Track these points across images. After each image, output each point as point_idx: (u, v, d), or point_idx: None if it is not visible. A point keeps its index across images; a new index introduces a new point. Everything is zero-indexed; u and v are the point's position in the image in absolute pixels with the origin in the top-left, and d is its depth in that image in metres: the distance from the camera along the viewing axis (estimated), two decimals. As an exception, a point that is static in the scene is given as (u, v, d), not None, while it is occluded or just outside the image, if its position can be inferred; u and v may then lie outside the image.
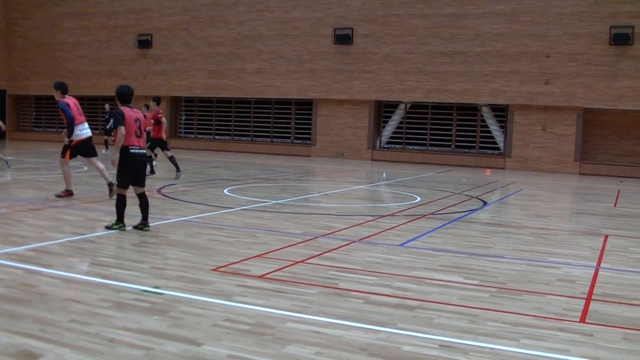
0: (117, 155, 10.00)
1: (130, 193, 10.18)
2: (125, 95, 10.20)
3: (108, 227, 10.14)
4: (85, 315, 5.93)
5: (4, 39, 41.26)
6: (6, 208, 12.43)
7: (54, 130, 40.69)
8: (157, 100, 18.94)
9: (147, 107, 20.94)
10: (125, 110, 10.08)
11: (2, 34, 41.17)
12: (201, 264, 8.01)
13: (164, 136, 19.45)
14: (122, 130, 9.87)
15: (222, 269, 7.76)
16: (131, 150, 9.97)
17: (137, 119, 10.13)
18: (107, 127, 28.94)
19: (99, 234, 9.96)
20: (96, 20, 38.22)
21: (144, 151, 10.25)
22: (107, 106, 30.80)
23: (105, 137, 29.53)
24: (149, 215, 10.34)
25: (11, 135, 41.23)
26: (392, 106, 33.18)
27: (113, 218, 10.34)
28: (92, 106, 39.14)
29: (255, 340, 5.36)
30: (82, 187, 15.51)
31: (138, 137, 10.08)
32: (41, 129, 41.89)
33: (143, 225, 10.20)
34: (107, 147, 29.37)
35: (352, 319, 6.02)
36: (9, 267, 7.69)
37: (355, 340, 5.44)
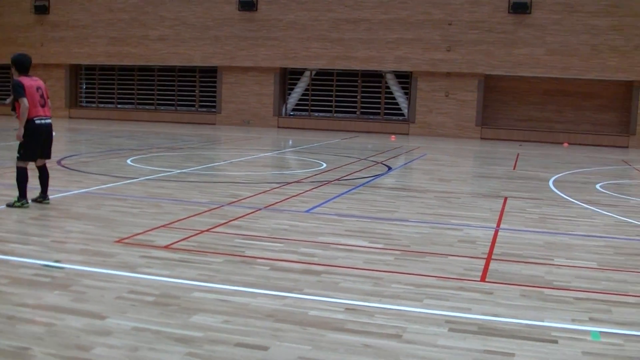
0: (22, 129, 9.33)
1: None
2: (24, 64, 9.50)
3: (9, 205, 9.55)
4: (-18, 293, 5.75)
5: None
6: None
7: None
8: None
9: None
10: (25, 80, 9.36)
11: None
12: (104, 236, 7.86)
13: None
14: (24, 102, 9.19)
15: (125, 241, 7.64)
16: (36, 121, 9.38)
17: (38, 87, 9.50)
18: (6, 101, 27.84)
19: (-4, 207, 9.65)
20: (-11, -14, 36.78)
21: (50, 121, 9.69)
22: None
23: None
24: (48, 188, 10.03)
25: None
26: (298, 73, 33.14)
27: (15, 195, 9.71)
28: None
29: (160, 311, 5.31)
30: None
31: (42, 106, 9.49)
32: None
33: (42, 199, 9.84)
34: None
35: (259, 286, 6.04)
36: None
37: (262, 307, 5.46)
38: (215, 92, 33.62)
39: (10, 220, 8.82)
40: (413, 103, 30.92)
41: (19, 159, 9.56)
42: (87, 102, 36.71)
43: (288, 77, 33.24)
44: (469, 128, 30.14)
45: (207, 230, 8.31)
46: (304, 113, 33.25)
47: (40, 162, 9.81)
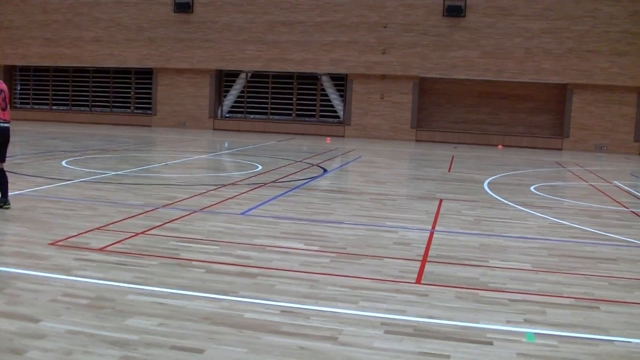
0: None
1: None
2: None
3: None
4: None
5: None
6: None
7: None
8: None
9: None
10: None
11: None
12: (38, 239, 7.77)
13: None
14: None
15: (59, 243, 7.57)
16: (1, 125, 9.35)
17: (0, 91, 9.48)
18: None
19: None
20: None
21: (8, 124, 9.57)
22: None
23: None
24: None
25: None
26: (233, 75, 33.08)
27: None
28: None
29: (95, 314, 5.30)
30: None
31: (3, 109, 9.47)
32: None
33: (4, 203, 9.59)
34: None
35: (194, 289, 6.06)
36: None
37: (198, 310, 5.48)
38: (150, 94, 33.36)
39: (-60, 223, 8.66)
40: (348, 105, 31.15)
41: None
42: (21, 103, 36.02)
43: (224, 79, 33.16)
44: (404, 130, 30.49)
45: (142, 233, 8.28)
46: (239, 115, 33.20)
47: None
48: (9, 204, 9.65)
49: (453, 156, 22.38)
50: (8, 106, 9.66)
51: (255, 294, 5.97)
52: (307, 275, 6.67)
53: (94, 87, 34.60)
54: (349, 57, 30.51)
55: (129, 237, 7.99)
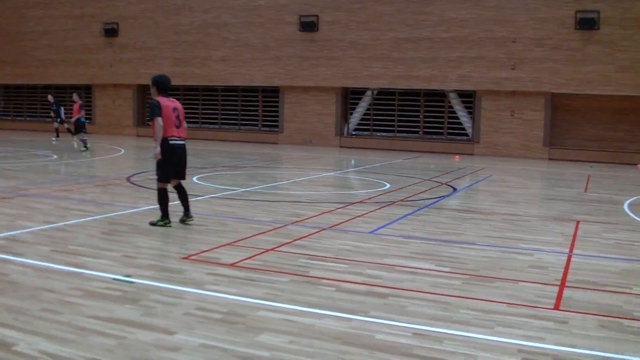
0: (158, 148, 9.46)
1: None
2: (163, 85, 9.75)
3: (152, 224, 9.65)
4: (56, 304, 5.87)
5: (-31, 27, 40.65)
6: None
7: (22, 119, 40.19)
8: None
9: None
10: (162, 100, 9.58)
11: (-33, 22, 40.55)
12: (172, 253, 7.95)
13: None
14: (159, 121, 9.36)
15: (192, 257, 7.70)
16: (170, 142, 9.51)
17: (174, 108, 9.66)
18: (60, 117, 28.52)
19: (69, 222, 9.85)
20: (63, 9, 37.71)
21: (183, 142, 9.78)
22: (50, 97, 30.25)
23: (56, 125, 29.14)
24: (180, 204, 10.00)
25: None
26: (359, 93, 33.14)
27: (157, 214, 9.83)
28: (60, 95, 38.70)
29: (227, 329, 5.33)
30: (52, 175, 15.32)
31: (177, 127, 9.63)
32: (9, 118, 41.20)
33: (186, 217, 9.83)
34: (57, 136, 29.04)
35: (324, 307, 6.00)
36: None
37: (328, 329, 5.42)
38: (277, 111, 33.85)
39: (82, 234, 8.98)
40: (477, 122, 30.60)
41: (157, 180, 9.76)
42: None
43: (349, 97, 33.27)
44: (536, 148, 29.64)
45: (271, 249, 8.32)
46: (365, 133, 33.20)
47: (174, 182, 9.86)
48: (192, 217, 9.89)
49: (589, 175, 21.51)
50: (183, 124, 9.85)
51: (386, 315, 5.86)
52: (439, 297, 6.49)
53: (222, 105, 35.44)
54: (476, 73, 30.00)
55: (259, 254, 8.04)
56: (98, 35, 36.70)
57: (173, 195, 9.90)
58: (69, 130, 28.95)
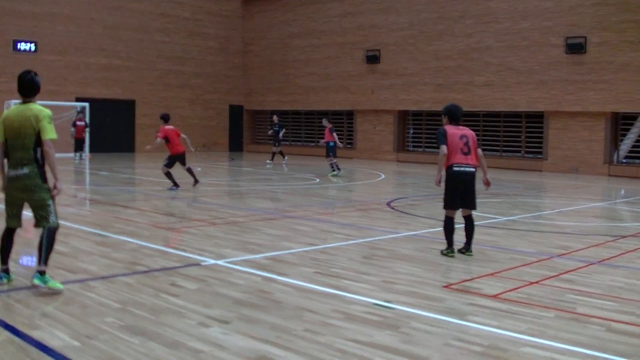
0: (439, 175, 9.68)
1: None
2: (454, 114, 9.83)
3: (442, 253, 9.63)
4: (318, 324, 6.03)
5: (241, 58, 43.62)
6: (244, 217, 13.03)
7: (287, 143, 42.38)
8: (165, 118, 18.54)
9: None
10: (449, 128, 9.66)
11: (240, 54, 43.55)
12: (431, 280, 7.90)
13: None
14: (443, 149, 9.50)
15: (453, 286, 7.61)
16: (454, 168, 9.46)
17: (463, 136, 9.61)
18: (279, 137, 30.18)
19: (331, 245, 10.15)
20: (326, 38, 39.36)
21: (472, 169, 9.58)
22: (275, 118, 31.75)
23: (274, 150, 30.63)
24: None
25: (247, 148, 43.47)
26: (631, 118, 31.27)
27: (443, 244, 9.79)
28: (321, 121, 40.44)
29: (490, 363, 5.16)
30: (314, 198, 15.92)
31: (465, 154, 9.51)
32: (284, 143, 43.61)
33: (466, 250, 9.65)
34: (272, 159, 30.47)
35: (593, 348, 5.63)
36: (246, 274, 8.04)
37: (599, 371, 5.08)
38: (541, 137, 32.84)
39: (343, 257, 9.22)
40: None
41: (443, 207, 9.74)
42: (413, 146, 37.73)
43: (620, 122, 31.50)
44: None
45: (536, 282, 7.99)
46: (638, 161, 31.22)
47: (464, 211, 9.76)
48: (472, 252, 9.63)
49: None
50: (474, 151, 9.69)
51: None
52: None
53: (484, 130, 35.02)
54: None
55: (522, 286, 7.76)
56: (360, 62, 37.82)
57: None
58: (280, 153, 30.37)
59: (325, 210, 14.33)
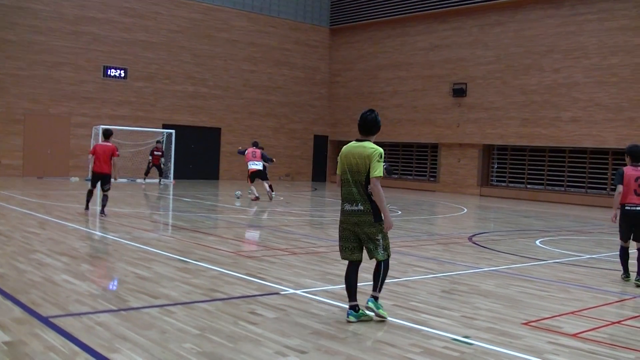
0: (616, 212, 10.83)
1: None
2: (636, 154, 10.73)
3: (622, 277, 10.90)
4: (396, 358, 6.06)
5: (327, 88, 44.07)
6: (324, 247, 13.14)
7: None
8: (105, 134, 17.74)
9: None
10: (627, 169, 10.70)
11: (326, 84, 44.01)
12: (511, 317, 7.83)
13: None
14: (619, 188, 10.58)
15: (532, 324, 7.53)
16: (626, 207, 10.60)
17: (637, 178, 10.56)
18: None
19: (411, 278, 10.16)
20: (413, 71, 39.44)
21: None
22: None
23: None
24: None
25: (331, 178, 43.71)
26: None
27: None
28: (406, 152, 40.45)
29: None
30: (395, 231, 15.93)
31: (637, 194, 10.55)
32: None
33: (637, 280, 10.47)
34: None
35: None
36: (326, 304, 8.12)
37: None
38: (629, 175, 32.06)
39: (423, 291, 9.21)
40: None
41: (620, 238, 10.99)
42: (497, 180, 37.33)
43: None
44: None
45: (617, 322, 7.85)
46: None
47: (637, 244, 10.81)
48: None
49: None
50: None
51: None
52: None
53: (569, 166, 34.41)
54: None
55: (604, 326, 7.63)
56: (446, 95, 37.74)
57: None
58: None
59: (406, 243, 14.32)
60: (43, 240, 12.62)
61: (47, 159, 32.76)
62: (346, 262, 7.68)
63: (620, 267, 11.02)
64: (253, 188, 24.06)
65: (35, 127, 32.24)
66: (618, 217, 10.86)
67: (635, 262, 10.71)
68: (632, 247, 10.96)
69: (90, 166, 17.42)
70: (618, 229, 10.91)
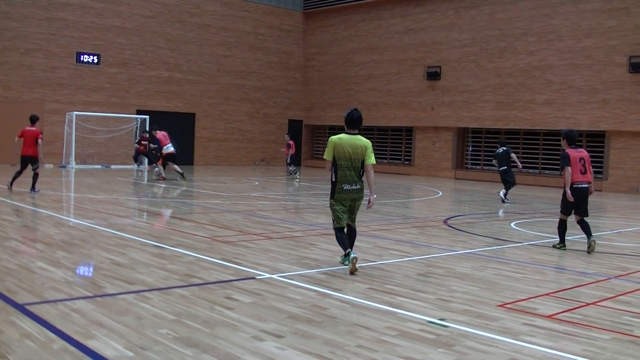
0: (569, 191, 11.71)
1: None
2: (573, 138, 12.04)
3: (554, 247, 12.24)
4: (372, 341, 6.05)
5: (302, 73, 43.97)
6: (301, 232, 13.13)
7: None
8: (32, 119, 19.20)
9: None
10: (571, 152, 11.89)
11: (300, 69, 43.90)
12: (487, 299, 7.87)
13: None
14: (568, 170, 11.70)
15: (508, 306, 7.57)
16: (574, 186, 11.77)
17: (581, 158, 11.84)
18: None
19: (386, 261, 10.17)
20: (387, 54, 39.40)
21: (586, 185, 11.94)
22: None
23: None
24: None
25: (306, 163, 43.72)
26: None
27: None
28: (381, 136, 40.46)
29: (544, 384, 5.14)
30: (370, 214, 15.95)
31: (583, 173, 11.81)
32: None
33: (589, 247, 11.79)
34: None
35: (652, 371, 5.58)
36: (302, 289, 8.11)
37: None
38: (602, 157, 32.33)
39: (399, 274, 9.23)
40: None
41: (560, 212, 12.23)
42: (472, 163, 37.47)
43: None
44: None
45: (592, 304, 7.91)
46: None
47: (576, 217, 12.04)
48: (592, 244, 11.88)
49: None
50: (589, 170, 11.98)
51: None
52: None
53: (544, 149, 34.60)
54: None
55: (579, 307, 7.68)
56: (421, 79, 37.77)
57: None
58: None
59: (382, 227, 14.34)
60: (17, 227, 12.52)
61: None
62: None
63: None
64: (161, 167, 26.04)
65: (8, 114, 31.82)
66: (564, 194, 11.90)
67: (580, 230, 12.10)
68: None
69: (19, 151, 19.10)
70: (560, 205, 12.15)
